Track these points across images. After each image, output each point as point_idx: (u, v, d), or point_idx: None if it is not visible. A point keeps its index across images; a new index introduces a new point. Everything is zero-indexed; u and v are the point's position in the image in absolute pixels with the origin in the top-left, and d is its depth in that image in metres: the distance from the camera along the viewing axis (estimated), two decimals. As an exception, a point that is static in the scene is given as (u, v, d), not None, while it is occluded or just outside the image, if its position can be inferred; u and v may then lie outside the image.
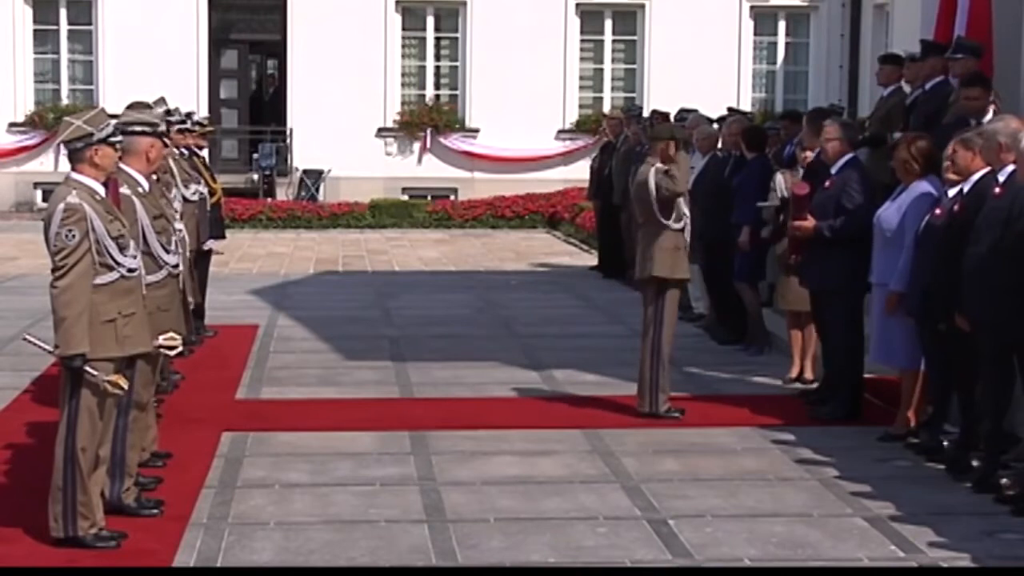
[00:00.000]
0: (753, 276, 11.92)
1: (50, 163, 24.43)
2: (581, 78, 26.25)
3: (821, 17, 26.24)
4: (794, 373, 10.87)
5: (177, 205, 8.88)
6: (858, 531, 7.14)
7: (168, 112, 10.06)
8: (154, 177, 7.92)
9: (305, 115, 25.36)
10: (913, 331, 8.66)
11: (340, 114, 25.09)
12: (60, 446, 6.70)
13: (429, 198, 25.19)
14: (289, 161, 25.60)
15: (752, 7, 26.20)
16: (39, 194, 24.91)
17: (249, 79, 27.73)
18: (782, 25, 26.56)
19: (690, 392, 10.34)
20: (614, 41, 26.41)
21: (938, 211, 8.34)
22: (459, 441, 8.92)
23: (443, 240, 22.33)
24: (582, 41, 26.18)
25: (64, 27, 25.52)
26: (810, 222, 9.51)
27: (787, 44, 26.64)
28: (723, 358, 11.89)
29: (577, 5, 25.95)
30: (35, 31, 25.53)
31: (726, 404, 10.06)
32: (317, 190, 25.45)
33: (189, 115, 12.16)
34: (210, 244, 12.38)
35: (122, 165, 7.18)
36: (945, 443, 8.49)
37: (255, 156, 25.73)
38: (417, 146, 25.75)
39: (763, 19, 26.49)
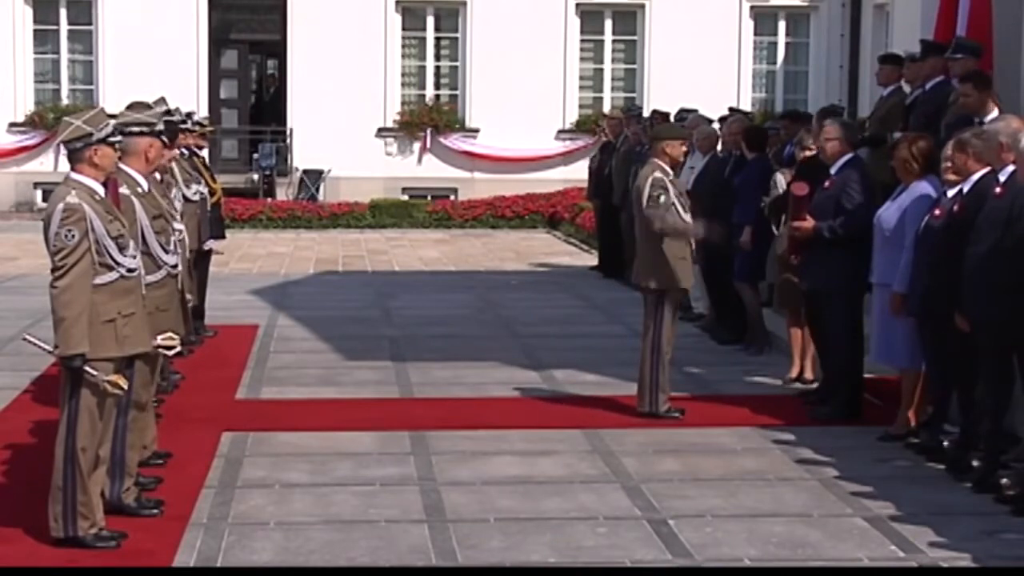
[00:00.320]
0: (753, 276, 11.91)
1: (50, 163, 24.39)
2: (581, 78, 26.23)
3: (821, 17, 26.22)
4: (794, 373, 10.87)
5: (178, 205, 8.88)
6: (858, 531, 7.14)
7: (168, 112, 10.05)
8: (157, 177, 7.92)
9: (305, 115, 25.34)
10: (913, 331, 8.66)
11: (340, 114, 25.07)
12: (60, 446, 6.70)
13: (429, 198, 25.17)
14: (289, 161, 25.58)
15: (752, 7, 26.18)
16: (39, 194, 24.89)
17: (249, 79, 27.69)
18: (782, 25, 26.53)
19: (690, 392, 10.34)
20: (614, 41, 26.39)
21: (937, 211, 8.34)
22: (459, 441, 8.92)
23: (443, 240, 22.32)
24: (582, 41, 26.16)
25: (64, 27, 25.49)
26: (809, 222, 9.51)
27: (787, 44, 26.61)
28: (723, 358, 11.89)
29: (577, 5, 25.93)
30: (35, 31, 25.50)
31: (726, 404, 10.06)
32: (317, 190, 25.43)
33: (189, 115, 12.16)
34: (210, 244, 12.37)
35: (121, 165, 7.18)
36: (945, 443, 8.48)
37: (255, 156, 25.70)
38: (417, 146, 25.73)
39: (763, 19, 26.47)
